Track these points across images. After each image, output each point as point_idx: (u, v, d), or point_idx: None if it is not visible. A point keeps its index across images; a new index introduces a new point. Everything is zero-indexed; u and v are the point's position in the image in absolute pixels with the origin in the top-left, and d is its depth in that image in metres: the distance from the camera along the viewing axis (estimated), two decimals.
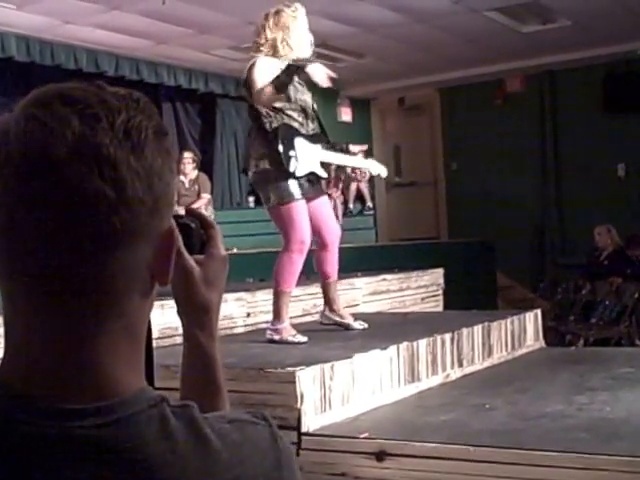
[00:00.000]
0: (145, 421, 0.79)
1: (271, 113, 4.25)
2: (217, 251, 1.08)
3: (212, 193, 10.73)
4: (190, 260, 1.04)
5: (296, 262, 4.24)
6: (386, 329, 4.70)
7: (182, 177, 10.45)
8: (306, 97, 4.40)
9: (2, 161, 0.78)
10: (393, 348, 3.83)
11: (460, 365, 4.33)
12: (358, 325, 4.59)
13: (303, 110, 4.36)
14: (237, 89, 11.32)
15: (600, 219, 9.25)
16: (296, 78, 4.30)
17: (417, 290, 6.59)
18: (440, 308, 6.71)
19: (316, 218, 4.34)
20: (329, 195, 11.22)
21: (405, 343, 3.93)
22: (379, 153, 12.85)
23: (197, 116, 11.67)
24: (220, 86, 11.16)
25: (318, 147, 4.38)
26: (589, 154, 10.07)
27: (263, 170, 4.23)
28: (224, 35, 9.30)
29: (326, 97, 12.10)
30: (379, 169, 4.80)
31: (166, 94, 11.00)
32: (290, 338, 4.20)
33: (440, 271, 6.84)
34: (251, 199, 11.74)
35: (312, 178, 4.35)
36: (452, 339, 4.29)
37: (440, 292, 6.81)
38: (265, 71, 4.20)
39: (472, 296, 8.32)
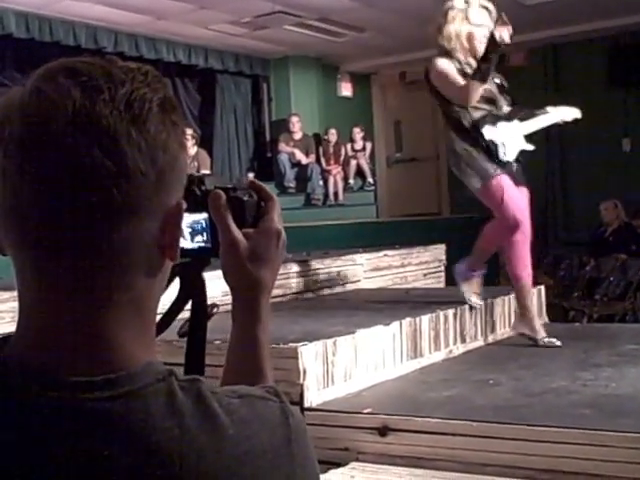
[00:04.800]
0: (152, 395, 0.79)
1: (458, 110, 4.13)
2: (269, 224, 1.06)
3: (212, 169, 10.71)
4: (236, 233, 1.03)
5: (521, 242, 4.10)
6: (388, 305, 4.68)
7: None
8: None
9: (7, 137, 0.78)
10: (396, 324, 3.81)
11: (463, 341, 4.31)
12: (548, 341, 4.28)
13: (489, 100, 4.19)
14: (236, 64, 11.28)
15: (605, 194, 9.19)
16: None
17: (419, 266, 6.56)
18: (442, 284, 6.68)
19: None
20: (328, 172, 11.30)
21: (408, 319, 3.90)
22: (380, 128, 12.80)
23: (196, 92, 11.62)
24: (219, 62, 11.11)
25: (516, 123, 4.20)
26: (593, 129, 9.96)
27: (467, 162, 4.13)
28: (224, 10, 9.23)
29: (326, 72, 12.06)
30: (574, 112, 4.44)
31: (165, 70, 10.91)
32: (467, 295, 4.21)
33: (442, 247, 6.80)
34: (250, 175, 11.72)
35: (519, 159, 4.21)
36: (455, 315, 4.27)
37: (442, 268, 6.78)
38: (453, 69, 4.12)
39: None
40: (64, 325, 0.80)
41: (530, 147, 4.18)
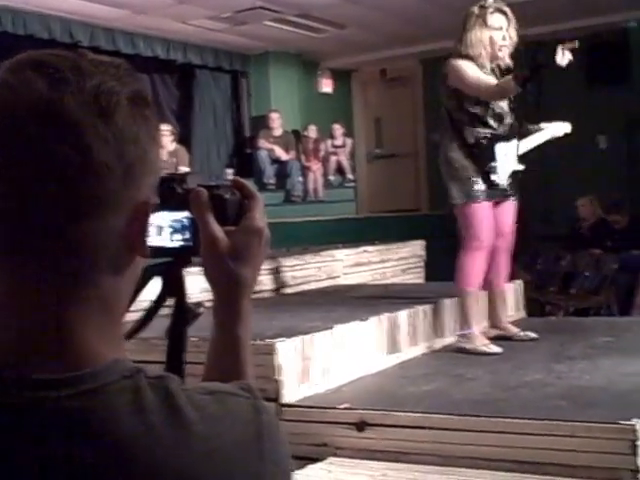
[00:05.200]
0: (116, 392, 0.77)
1: (466, 120, 4.12)
2: (251, 222, 1.05)
3: (191, 166, 10.66)
4: (218, 231, 1.02)
5: (476, 260, 4.14)
6: (367, 301, 4.69)
7: (160, 150, 10.40)
8: (503, 102, 4.22)
9: None
10: (374, 319, 3.83)
11: (441, 336, 4.33)
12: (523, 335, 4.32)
13: (498, 116, 4.19)
14: (215, 60, 11.24)
15: (581, 191, 9.26)
16: None
17: (398, 262, 6.58)
18: (421, 280, 6.71)
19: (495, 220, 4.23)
20: (308, 168, 11.29)
21: (386, 314, 3.92)
22: (360, 125, 12.82)
23: (175, 88, 11.54)
24: (199, 57, 11.05)
25: (514, 143, 4.23)
26: (571, 125, 10.06)
27: (458, 173, 4.14)
28: (203, 5, 9.20)
29: (306, 68, 12.05)
30: (565, 127, 4.53)
31: (143, 65, 10.84)
32: (484, 348, 4.03)
33: (421, 243, 6.83)
34: (229, 171, 11.68)
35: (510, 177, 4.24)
36: (433, 310, 4.29)
37: (421, 264, 6.81)
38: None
39: (453, 268, 8.31)
40: (28, 322, 0.79)
41: (521, 167, 4.22)
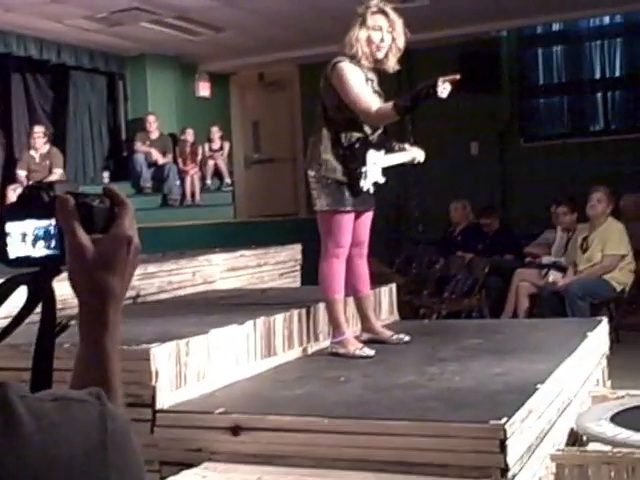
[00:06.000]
0: None
1: (342, 121, 4.11)
2: (119, 230, 1.02)
3: (65, 168, 10.43)
4: (84, 239, 1.00)
5: (336, 267, 4.17)
6: (244, 305, 4.69)
7: (32, 152, 10.14)
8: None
9: None
10: (250, 323, 3.83)
11: (316, 339, 4.37)
12: (396, 339, 4.38)
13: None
14: (91, 61, 11.01)
15: (455, 195, 9.52)
16: (376, 87, 4.22)
17: (275, 266, 6.61)
18: (298, 284, 6.75)
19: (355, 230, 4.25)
20: (185, 172, 11.20)
21: (262, 318, 3.93)
22: (238, 129, 12.79)
23: (49, 88, 11.26)
24: (73, 57, 10.80)
25: (382, 154, 4.22)
26: (444, 132, 10.32)
27: (326, 176, 4.12)
28: (77, 4, 8.99)
29: (184, 71, 11.95)
30: (421, 155, 4.51)
31: (16, 65, 10.56)
32: (357, 352, 4.08)
33: (298, 247, 6.87)
34: (105, 174, 11.48)
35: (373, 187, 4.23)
36: (308, 314, 4.32)
37: (298, 268, 6.86)
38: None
39: None
40: None
41: (382, 180, 4.27)
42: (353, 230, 4.23)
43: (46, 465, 0.77)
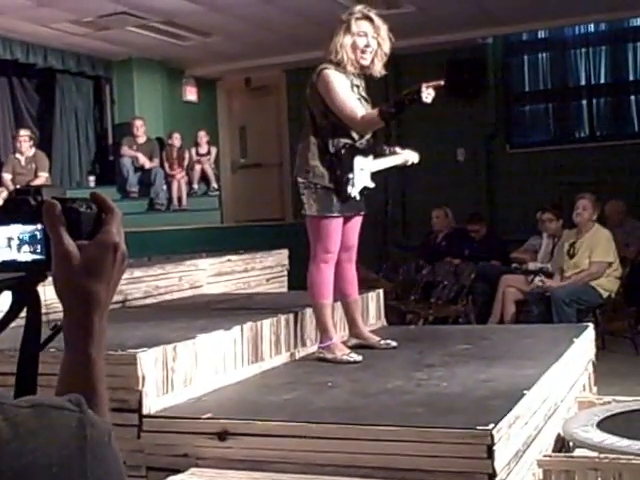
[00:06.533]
0: None
1: (329, 127, 4.10)
2: (105, 236, 1.01)
3: (50, 172, 10.39)
4: (70, 245, 0.99)
5: (325, 272, 4.17)
6: (230, 310, 4.68)
7: (18, 155, 10.09)
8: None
9: None
10: (237, 328, 3.82)
11: (304, 344, 4.37)
12: (384, 344, 4.39)
13: None
14: (78, 65, 10.98)
15: (440, 202, 9.52)
16: (363, 93, 4.22)
17: (262, 271, 6.60)
18: (285, 289, 6.75)
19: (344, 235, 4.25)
20: (172, 176, 11.18)
21: (249, 323, 3.92)
22: (225, 134, 12.78)
23: (35, 92, 11.23)
24: (60, 61, 10.77)
25: (370, 159, 4.23)
26: (430, 139, 10.33)
27: (314, 183, 4.11)
28: (64, 8, 8.97)
29: (171, 76, 11.94)
30: (415, 157, 4.53)
31: (2, 68, 10.52)
32: (345, 357, 4.08)
33: (285, 252, 6.87)
34: (92, 178, 11.45)
35: (363, 191, 4.24)
36: (295, 319, 4.32)
37: (285, 273, 6.85)
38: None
39: None
40: None
41: (372, 185, 4.28)
42: (342, 234, 4.23)
43: (21, 473, 0.75)
